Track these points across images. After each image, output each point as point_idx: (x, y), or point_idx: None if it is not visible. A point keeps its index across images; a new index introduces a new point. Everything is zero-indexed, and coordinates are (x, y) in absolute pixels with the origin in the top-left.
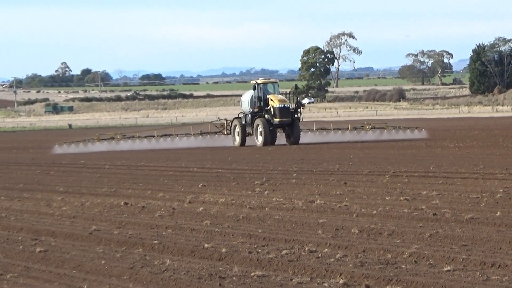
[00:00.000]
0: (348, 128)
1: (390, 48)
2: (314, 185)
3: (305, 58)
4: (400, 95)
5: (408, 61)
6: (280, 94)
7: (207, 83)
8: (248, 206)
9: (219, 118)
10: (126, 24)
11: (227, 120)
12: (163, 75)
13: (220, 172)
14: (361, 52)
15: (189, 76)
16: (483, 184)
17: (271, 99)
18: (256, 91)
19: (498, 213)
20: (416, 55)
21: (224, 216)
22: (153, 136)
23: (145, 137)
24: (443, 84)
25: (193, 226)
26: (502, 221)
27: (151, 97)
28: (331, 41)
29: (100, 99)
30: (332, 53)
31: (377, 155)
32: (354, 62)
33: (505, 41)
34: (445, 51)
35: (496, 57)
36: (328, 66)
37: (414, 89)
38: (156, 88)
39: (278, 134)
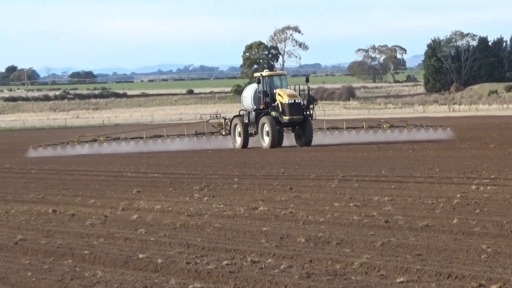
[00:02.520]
0: (363, 127)
1: (339, 43)
2: (257, 190)
3: (247, 54)
4: (349, 94)
5: (358, 57)
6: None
7: (142, 81)
8: (186, 213)
9: (216, 116)
10: (54, 18)
11: (225, 119)
12: (95, 73)
13: (156, 176)
14: (308, 48)
15: (122, 74)
16: (439, 189)
17: (279, 94)
18: (260, 84)
19: (455, 220)
20: (367, 51)
21: (160, 224)
22: (141, 138)
23: (132, 138)
24: (396, 81)
25: (126, 235)
26: (459, 229)
27: (82, 97)
28: (275, 35)
29: (27, 99)
30: (276, 48)
31: (325, 158)
32: (300, 58)
33: (463, 35)
34: (398, 46)
35: (453, 52)
36: (272, 63)
37: (364, 87)
38: (87, 87)
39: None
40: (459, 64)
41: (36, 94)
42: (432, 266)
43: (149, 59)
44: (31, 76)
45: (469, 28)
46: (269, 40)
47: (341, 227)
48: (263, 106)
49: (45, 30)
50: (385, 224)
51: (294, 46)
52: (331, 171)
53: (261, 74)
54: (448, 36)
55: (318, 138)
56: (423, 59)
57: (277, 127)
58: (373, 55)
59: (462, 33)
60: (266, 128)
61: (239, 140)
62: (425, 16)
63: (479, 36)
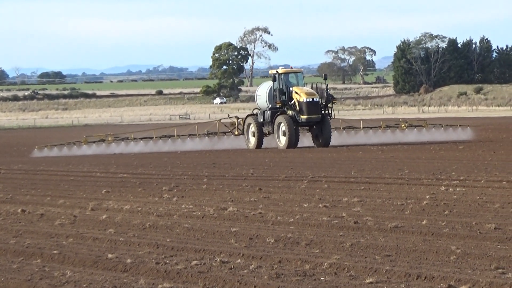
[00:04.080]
0: (380, 127)
1: (309, 44)
2: (226, 191)
3: (216, 55)
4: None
5: (328, 59)
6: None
7: (111, 81)
8: (155, 214)
9: (229, 115)
10: (24, 17)
11: (238, 118)
12: (64, 73)
13: (125, 177)
14: (277, 49)
15: (91, 74)
16: (408, 190)
17: (296, 92)
18: (276, 82)
19: (424, 221)
20: (337, 52)
21: (129, 224)
22: (151, 138)
23: (142, 138)
24: (365, 83)
25: (96, 235)
26: (428, 230)
27: (51, 97)
28: (244, 36)
29: None
30: (246, 49)
31: (295, 159)
32: (269, 59)
33: (432, 36)
34: (367, 48)
35: (422, 54)
36: (241, 64)
37: (334, 88)
38: (56, 87)
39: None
40: (428, 66)
41: (5, 94)
42: (401, 267)
43: (119, 59)
44: (0, 76)
45: (439, 30)
46: (239, 41)
47: (310, 227)
48: (280, 104)
49: (14, 30)
50: (355, 225)
51: (263, 47)
52: (301, 172)
53: (276, 72)
54: (418, 38)
55: (334, 138)
56: (392, 60)
57: (294, 127)
58: (342, 57)
59: (432, 34)
60: (283, 127)
61: (253, 140)
62: (394, 17)
63: (449, 38)
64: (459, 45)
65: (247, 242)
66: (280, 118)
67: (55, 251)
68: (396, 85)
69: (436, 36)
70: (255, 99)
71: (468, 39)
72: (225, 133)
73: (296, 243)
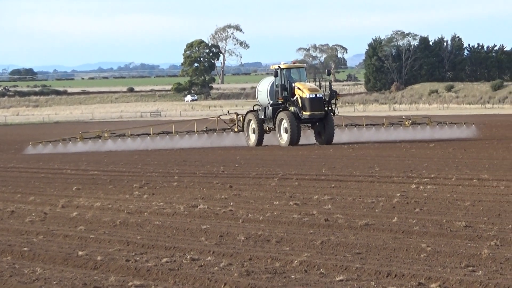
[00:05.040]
0: (383, 124)
1: (280, 42)
2: (197, 188)
3: (188, 52)
4: None
5: (299, 56)
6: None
7: (83, 78)
8: (125, 211)
9: (228, 112)
10: None
11: (238, 114)
12: (35, 70)
13: (96, 174)
14: (249, 46)
15: (63, 71)
16: (379, 187)
17: (299, 88)
18: (278, 78)
19: (394, 219)
20: (308, 50)
21: (99, 221)
22: (148, 134)
23: (139, 135)
24: (336, 80)
25: (66, 232)
26: (399, 228)
27: (22, 94)
28: (216, 34)
29: None
30: (217, 47)
31: (265, 157)
32: (241, 57)
33: (403, 34)
34: (339, 45)
35: (394, 52)
36: (213, 61)
37: None
38: (27, 84)
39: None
40: (400, 64)
41: None
42: (372, 264)
43: (90, 56)
44: None
45: (410, 28)
46: (210, 39)
47: (281, 225)
48: (282, 100)
49: None
50: (325, 222)
51: (235, 44)
52: (271, 170)
53: (278, 67)
54: (389, 36)
55: (336, 135)
56: (364, 58)
57: (296, 124)
58: (314, 54)
59: (403, 32)
60: (285, 124)
61: (253, 137)
62: (366, 15)
63: (420, 36)
64: (431, 43)
65: (218, 239)
66: (282, 115)
67: (25, 248)
68: (367, 83)
69: (408, 34)
70: (256, 95)
71: (439, 37)
72: (224, 129)
73: (266, 240)
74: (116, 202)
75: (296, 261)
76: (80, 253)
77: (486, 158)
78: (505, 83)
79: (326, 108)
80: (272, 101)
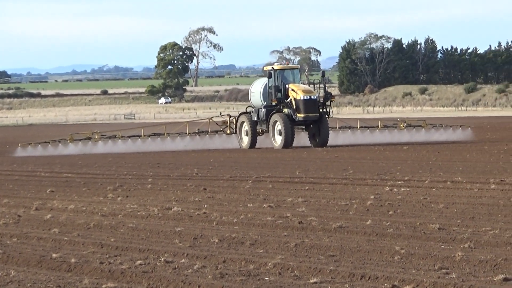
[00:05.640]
0: (378, 127)
1: (254, 44)
2: (171, 191)
3: (161, 54)
4: None
5: (273, 59)
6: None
7: (56, 81)
8: (99, 213)
9: (221, 113)
10: None
11: (230, 116)
12: (9, 72)
13: (70, 176)
14: (223, 49)
15: (36, 74)
16: (353, 190)
17: (293, 89)
18: (271, 79)
19: (368, 221)
20: (282, 52)
21: (73, 224)
22: (139, 136)
23: (129, 137)
24: (310, 83)
25: (40, 234)
26: (372, 230)
27: None
28: (190, 36)
29: None
30: (191, 49)
31: (239, 159)
32: (214, 60)
33: (377, 37)
34: (312, 48)
35: (367, 54)
36: (186, 64)
37: None
38: (1, 87)
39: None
40: (373, 66)
41: None
42: (346, 267)
43: (64, 59)
44: None
45: (384, 31)
46: (184, 41)
47: (254, 227)
48: (275, 102)
49: None
50: (299, 225)
51: (208, 47)
52: (245, 172)
53: (272, 68)
54: (363, 38)
55: (330, 137)
56: (337, 61)
57: (290, 126)
58: (287, 57)
59: (377, 35)
60: (279, 126)
61: (246, 140)
62: (339, 18)
63: (394, 39)
64: (404, 46)
65: (192, 242)
66: (275, 117)
67: None
68: (341, 85)
69: (381, 37)
70: (249, 96)
71: (413, 39)
72: (216, 132)
73: (240, 243)
74: (90, 205)
75: (270, 264)
76: (54, 255)
77: (460, 160)
78: (478, 86)
79: (320, 110)
80: (265, 103)
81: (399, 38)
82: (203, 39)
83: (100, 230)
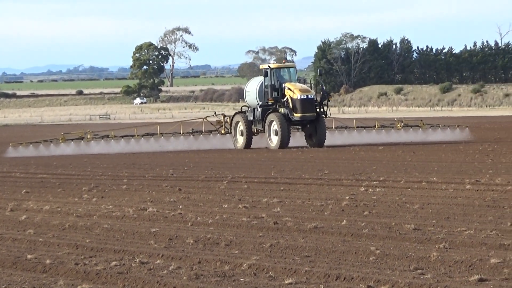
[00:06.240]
0: (375, 127)
1: (229, 44)
2: (146, 191)
3: (137, 55)
4: (239, 95)
5: (248, 59)
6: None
7: (32, 81)
8: (74, 214)
9: (215, 113)
10: None
11: (225, 116)
12: None
13: (45, 177)
14: (198, 49)
15: (11, 74)
16: (328, 190)
17: (289, 88)
18: (267, 78)
19: (343, 221)
20: (257, 52)
21: (48, 224)
22: (133, 136)
23: (123, 136)
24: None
25: (15, 235)
26: (348, 231)
27: None
28: (165, 36)
29: None
30: (166, 49)
31: (215, 160)
32: (190, 60)
33: (352, 37)
34: (288, 48)
35: (343, 54)
36: (162, 64)
37: None
38: None
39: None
40: (349, 66)
41: None
42: (321, 267)
43: (39, 59)
44: None
45: (359, 31)
46: (159, 41)
47: (230, 228)
48: (272, 101)
49: None
50: (274, 225)
51: (184, 47)
52: (220, 173)
53: (268, 66)
54: (338, 38)
55: (326, 138)
56: (313, 61)
57: (287, 126)
58: (263, 57)
59: (352, 35)
60: (275, 126)
61: (241, 140)
62: (315, 18)
63: (369, 39)
64: (380, 46)
65: (167, 242)
66: (271, 116)
67: None
68: (317, 86)
69: (357, 37)
70: (244, 95)
71: (388, 39)
72: (211, 131)
73: (215, 243)
74: (65, 206)
75: (245, 264)
76: (29, 256)
77: (435, 161)
78: (453, 86)
79: (317, 110)
80: (261, 102)
81: (374, 38)
82: (179, 39)
83: (75, 231)
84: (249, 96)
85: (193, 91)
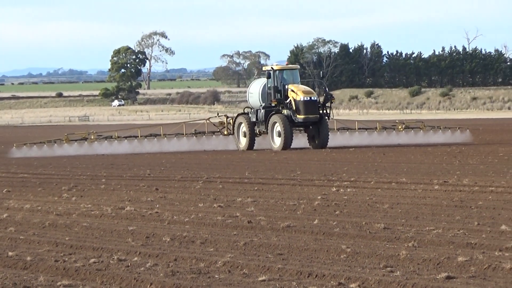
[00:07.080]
0: (376, 128)
1: (205, 48)
2: (124, 191)
3: (115, 58)
4: (214, 98)
5: (223, 63)
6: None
7: (13, 84)
8: (54, 213)
9: (218, 114)
10: None
11: (228, 117)
12: None
13: (26, 177)
14: (174, 53)
15: None
16: (300, 190)
17: (293, 90)
18: (270, 79)
19: (315, 220)
20: (232, 56)
21: (29, 223)
22: (136, 137)
23: (126, 137)
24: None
25: None
26: (319, 229)
27: None
28: (142, 40)
29: None
30: (143, 53)
31: (190, 160)
32: (166, 63)
33: (324, 42)
34: (261, 52)
35: (315, 58)
36: (139, 67)
37: (229, 92)
38: None
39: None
40: (321, 70)
41: None
42: (293, 265)
43: (20, 62)
44: None
45: (331, 35)
46: (137, 45)
47: (205, 227)
48: (275, 103)
49: None
50: (248, 224)
51: (160, 51)
52: (196, 173)
53: (271, 68)
54: (311, 43)
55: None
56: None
57: (290, 127)
58: (237, 61)
59: (324, 40)
60: (278, 128)
61: (243, 141)
62: (288, 23)
63: (341, 43)
64: (351, 50)
65: (144, 240)
66: (275, 118)
67: None
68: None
69: (329, 42)
70: (247, 97)
71: (359, 44)
72: (213, 132)
73: (191, 241)
74: (45, 204)
75: (220, 262)
76: (10, 253)
77: (405, 162)
78: (422, 89)
79: (320, 112)
80: (264, 104)
81: (345, 43)
82: (155, 43)
83: (55, 229)
84: (252, 98)
85: (169, 94)
